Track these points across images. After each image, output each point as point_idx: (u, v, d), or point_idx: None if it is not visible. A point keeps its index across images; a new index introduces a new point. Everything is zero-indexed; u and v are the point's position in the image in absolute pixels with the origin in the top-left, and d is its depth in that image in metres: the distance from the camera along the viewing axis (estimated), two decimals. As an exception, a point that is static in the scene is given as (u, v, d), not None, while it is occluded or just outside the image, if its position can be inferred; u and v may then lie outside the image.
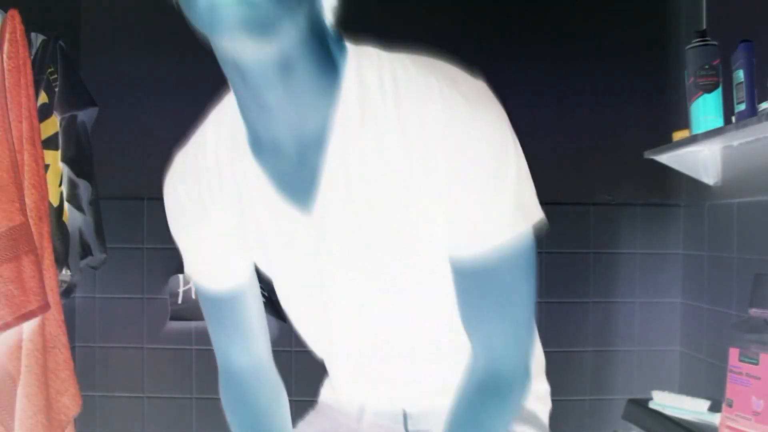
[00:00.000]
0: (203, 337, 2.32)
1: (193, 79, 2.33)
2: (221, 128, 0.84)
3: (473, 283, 0.77)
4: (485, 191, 0.73)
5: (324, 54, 0.73)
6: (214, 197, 0.85)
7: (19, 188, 1.54)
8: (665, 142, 2.04)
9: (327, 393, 1.08)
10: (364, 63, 0.75)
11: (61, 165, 1.93)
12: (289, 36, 0.68)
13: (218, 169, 0.83)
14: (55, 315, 1.70)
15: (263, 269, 0.92)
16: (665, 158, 2.04)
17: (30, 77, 1.65)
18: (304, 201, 0.79)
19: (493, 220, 0.73)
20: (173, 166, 0.91)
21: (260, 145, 0.79)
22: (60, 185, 1.93)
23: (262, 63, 0.70)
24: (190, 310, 2.28)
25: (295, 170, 0.78)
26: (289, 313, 0.95)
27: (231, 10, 0.63)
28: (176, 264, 2.28)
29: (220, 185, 0.84)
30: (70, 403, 1.73)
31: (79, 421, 1.90)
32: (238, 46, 0.68)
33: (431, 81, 0.73)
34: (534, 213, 0.76)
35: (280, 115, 0.75)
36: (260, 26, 0.64)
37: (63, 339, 1.73)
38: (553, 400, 1.03)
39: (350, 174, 0.75)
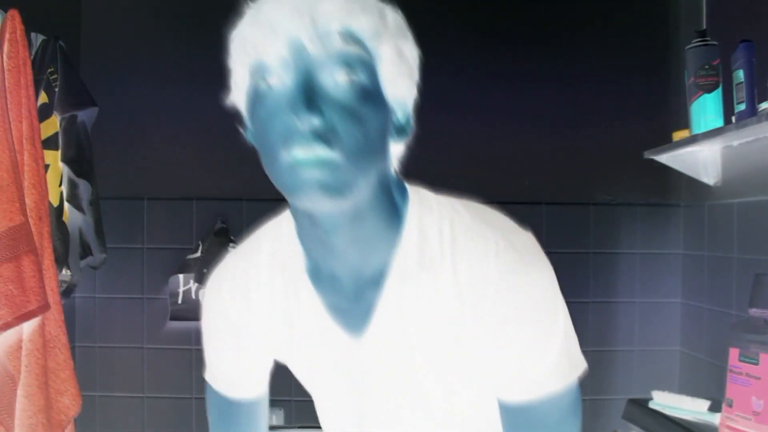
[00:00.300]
0: (203, 337, 2.31)
1: (194, 79, 2.33)
2: (278, 247, 0.87)
3: (520, 422, 0.80)
4: (536, 346, 0.76)
5: (389, 202, 0.79)
6: (263, 309, 0.87)
7: (19, 188, 1.54)
8: (665, 142, 2.04)
9: None
10: (425, 212, 0.80)
11: (61, 165, 1.93)
12: (363, 193, 0.73)
13: (271, 285, 0.86)
14: (55, 315, 1.70)
15: (303, 382, 0.95)
16: (665, 158, 2.04)
17: (30, 77, 1.65)
18: (355, 328, 0.83)
19: (542, 373, 0.77)
20: (223, 267, 0.92)
21: (318, 274, 0.83)
22: (60, 185, 1.93)
23: (335, 215, 0.74)
24: (190, 310, 2.28)
25: (350, 301, 0.82)
26: (325, 424, 0.99)
27: (313, 172, 0.68)
28: (176, 264, 2.28)
29: (271, 300, 0.86)
30: (70, 403, 1.73)
31: (79, 421, 1.90)
32: (316, 205, 0.72)
33: (488, 235, 0.77)
34: (579, 363, 0.79)
35: (343, 256, 0.79)
36: (339, 188, 0.69)
37: (63, 339, 1.73)
38: (553, 400, 1.02)
39: (403, 312, 0.80)
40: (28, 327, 1.59)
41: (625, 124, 2.31)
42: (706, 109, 1.79)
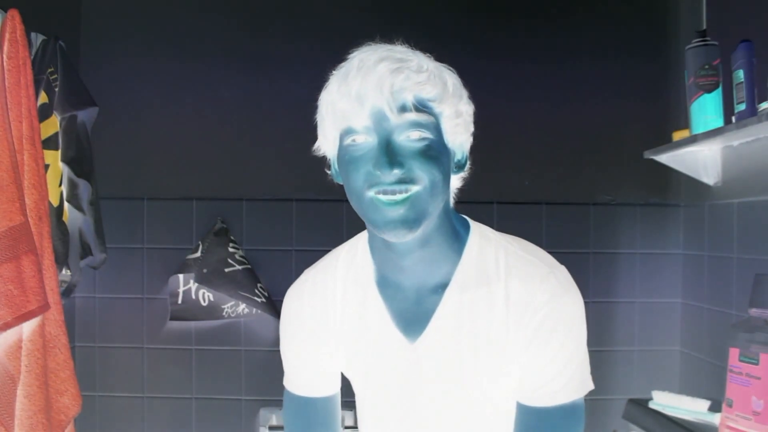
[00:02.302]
0: (203, 337, 2.31)
1: (193, 79, 2.33)
2: (353, 262, 1.03)
3: (532, 424, 0.94)
4: (559, 360, 0.92)
5: (451, 227, 0.96)
6: (336, 316, 1.02)
7: (19, 188, 1.54)
8: (665, 142, 2.04)
9: None
10: (484, 241, 0.98)
11: (61, 165, 1.93)
12: (432, 219, 0.90)
13: (344, 295, 1.02)
14: (55, 315, 1.70)
15: (358, 386, 1.08)
16: (665, 158, 2.04)
17: (30, 77, 1.65)
18: (412, 332, 0.98)
19: (559, 384, 0.93)
20: (302, 281, 1.07)
21: (385, 283, 1.00)
22: (60, 185, 1.93)
23: (408, 242, 0.91)
24: (190, 310, 2.28)
25: (411, 306, 0.98)
26: (366, 420, 1.09)
27: (397, 210, 0.86)
28: (176, 264, 2.28)
29: (344, 308, 1.02)
30: (70, 403, 1.73)
31: (79, 421, 1.90)
32: (398, 236, 0.88)
33: (535, 263, 0.95)
34: (588, 384, 0.96)
35: (410, 272, 0.96)
36: (417, 219, 0.87)
37: (63, 339, 1.72)
38: (553, 400, 1.03)
39: (459, 317, 0.95)
40: (28, 327, 1.59)
41: (625, 123, 2.31)
42: (706, 109, 1.78)
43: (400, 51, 0.89)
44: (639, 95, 2.31)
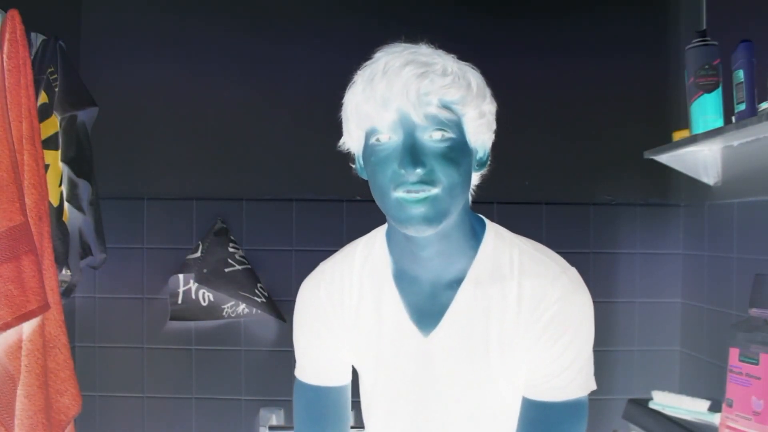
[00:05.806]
0: (203, 337, 2.31)
1: (193, 79, 2.33)
2: (370, 255, 1.06)
3: (537, 418, 0.96)
4: (566, 356, 0.96)
5: (469, 224, 0.99)
6: (351, 306, 1.04)
7: (19, 188, 1.54)
8: (665, 142, 2.04)
9: None
10: (499, 240, 1.01)
11: (61, 165, 1.93)
12: (453, 217, 0.93)
13: (360, 287, 1.04)
14: (55, 315, 1.70)
15: (366, 380, 1.09)
16: (665, 158, 2.04)
17: (30, 77, 1.65)
18: (426, 325, 1.00)
19: (564, 381, 0.96)
20: (318, 272, 1.09)
21: (402, 277, 1.02)
22: (60, 185, 1.93)
23: (429, 236, 0.93)
24: (190, 310, 2.28)
25: (426, 300, 1.00)
26: (374, 414, 1.10)
27: (418, 208, 0.88)
28: (176, 264, 2.28)
29: (360, 299, 1.04)
30: (70, 403, 1.73)
31: (79, 421, 1.90)
32: (419, 232, 0.90)
33: (547, 263, 0.98)
34: (592, 383, 1.00)
35: (428, 264, 0.98)
36: (438, 217, 0.90)
37: (63, 339, 1.72)
38: (553, 400, 1.03)
39: (472, 312, 0.98)
40: (28, 327, 1.59)
41: (625, 124, 2.31)
42: (706, 109, 1.78)
43: (425, 53, 0.91)
44: (639, 95, 2.31)
